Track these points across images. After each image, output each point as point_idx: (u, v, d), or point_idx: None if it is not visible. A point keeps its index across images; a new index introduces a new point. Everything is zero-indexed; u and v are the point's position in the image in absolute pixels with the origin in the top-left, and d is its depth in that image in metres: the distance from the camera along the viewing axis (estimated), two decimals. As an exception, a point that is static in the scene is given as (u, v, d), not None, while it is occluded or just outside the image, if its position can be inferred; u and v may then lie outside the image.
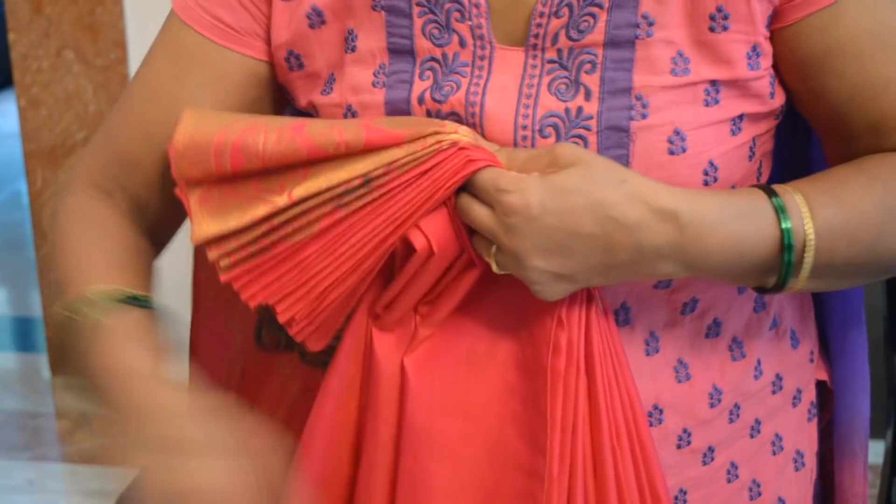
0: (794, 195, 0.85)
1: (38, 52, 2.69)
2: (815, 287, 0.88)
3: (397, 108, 0.90)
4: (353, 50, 0.92)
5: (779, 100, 0.92)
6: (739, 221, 0.84)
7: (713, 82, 0.88)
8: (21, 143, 2.78)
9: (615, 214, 0.81)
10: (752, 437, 1.00)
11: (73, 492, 2.66)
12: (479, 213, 0.84)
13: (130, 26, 2.64)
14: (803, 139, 1.03)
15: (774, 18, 0.89)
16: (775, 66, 0.92)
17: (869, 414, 1.11)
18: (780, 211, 0.84)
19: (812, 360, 1.05)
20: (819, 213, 0.85)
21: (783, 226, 0.84)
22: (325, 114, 0.94)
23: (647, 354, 0.93)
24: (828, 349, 1.10)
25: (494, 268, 0.85)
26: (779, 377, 1.01)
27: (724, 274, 0.86)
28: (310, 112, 0.96)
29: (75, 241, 0.96)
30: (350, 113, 0.92)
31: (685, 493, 0.97)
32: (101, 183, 1.00)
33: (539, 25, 0.88)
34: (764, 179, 0.95)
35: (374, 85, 0.91)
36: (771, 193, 0.85)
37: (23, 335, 3.56)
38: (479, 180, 0.83)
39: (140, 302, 0.92)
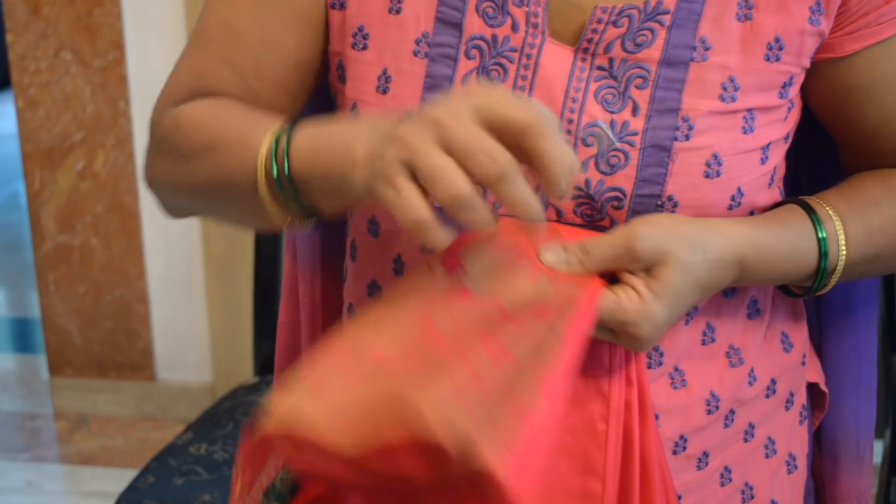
0: (833, 219, 0.93)
1: (36, 53, 2.69)
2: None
3: (437, 85, 0.89)
4: (397, 12, 0.91)
5: (787, 125, 0.94)
6: (791, 257, 0.92)
7: (750, 110, 0.89)
8: (19, 143, 2.78)
9: (707, 284, 0.87)
10: (745, 441, 1.00)
11: (72, 493, 2.65)
12: (605, 335, 0.85)
13: (128, 27, 2.64)
14: (808, 160, 1.05)
15: (824, 49, 0.92)
16: (805, 91, 0.95)
17: (872, 418, 1.11)
18: (819, 230, 0.93)
19: (804, 363, 1.06)
20: (852, 237, 0.94)
21: (822, 249, 0.93)
22: (352, 71, 0.93)
23: (650, 367, 0.94)
24: (822, 352, 1.10)
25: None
26: (773, 381, 1.01)
27: (771, 284, 0.96)
28: (333, 62, 0.95)
29: (221, 117, 0.93)
30: (384, 77, 0.91)
31: (680, 498, 0.97)
32: None
33: (595, 31, 0.88)
34: (775, 201, 0.97)
35: (415, 54, 0.90)
36: (810, 211, 0.93)
37: (21, 336, 3.56)
38: (602, 316, 0.84)
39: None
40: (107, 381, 2.91)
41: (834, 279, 0.94)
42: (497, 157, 0.71)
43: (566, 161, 0.73)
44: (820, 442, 1.12)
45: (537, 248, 0.84)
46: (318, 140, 0.84)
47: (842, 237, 0.93)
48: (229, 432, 1.82)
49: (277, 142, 0.85)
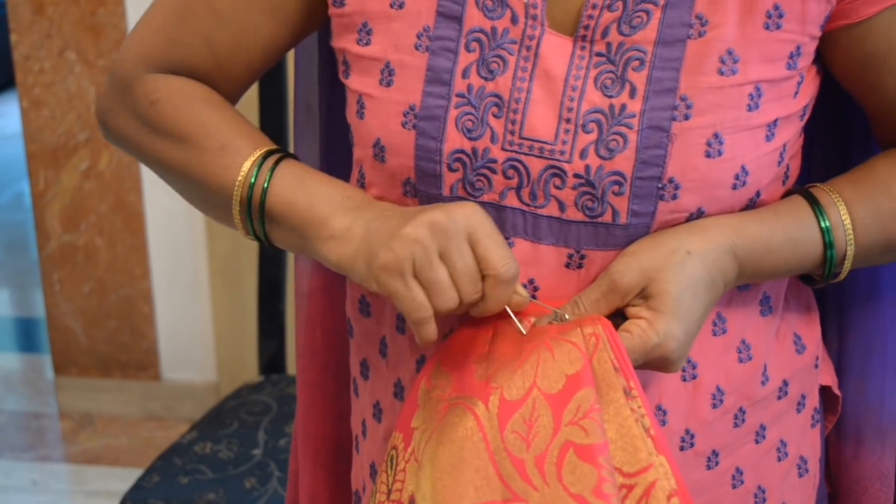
0: (837, 205, 0.94)
1: (41, 53, 2.69)
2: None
3: (438, 77, 0.90)
4: (399, 6, 0.92)
5: (801, 100, 0.93)
6: (789, 244, 0.93)
7: (757, 86, 0.89)
8: (23, 143, 2.78)
9: (708, 281, 0.89)
10: (757, 442, 1.00)
11: (77, 492, 2.66)
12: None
13: (132, 27, 2.64)
14: (841, 131, 1.05)
15: (836, 17, 0.91)
16: (822, 61, 0.94)
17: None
18: (821, 219, 0.93)
19: (816, 366, 1.05)
20: (859, 222, 0.94)
21: (826, 240, 0.93)
22: (357, 66, 0.94)
23: None
24: (847, 329, 1.10)
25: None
26: (785, 382, 1.01)
27: (777, 277, 0.96)
28: (338, 58, 0.96)
29: (201, 114, 0.98)
30: (387, 70, 0.92)
31: None
32: (169, 73, 1.01)
33: (591, 17, 0.89)
34: (791, 181, 0.97)
35: (416, 48, 0.91)
36: (813, 201, 0.94)
37: (26, 336, 3.56)
38: (631, 355, 0.87)
39: (283, 153, 0.97)
40: (111, 380, 2.91)
41: (847, 265, 0.94)
42: (478, 289, 0.85)
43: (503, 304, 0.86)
44: (841, 425, 1.10)
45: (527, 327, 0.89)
46: (298, 194, 0.92)
47: (847, 222, 0.93)
48: (234, 431, 1.82)
49: (259, 171, 0.93)
